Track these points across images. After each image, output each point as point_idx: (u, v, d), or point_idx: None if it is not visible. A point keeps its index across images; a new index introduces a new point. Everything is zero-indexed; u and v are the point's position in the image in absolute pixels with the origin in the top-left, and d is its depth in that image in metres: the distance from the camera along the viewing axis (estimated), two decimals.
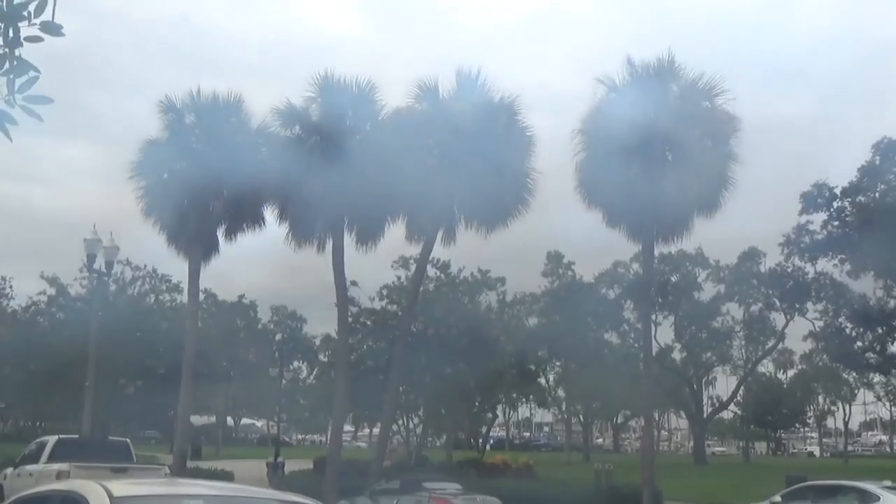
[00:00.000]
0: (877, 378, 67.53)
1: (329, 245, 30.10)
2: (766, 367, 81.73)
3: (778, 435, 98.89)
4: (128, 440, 24.63)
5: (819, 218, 43.39)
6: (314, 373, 73.17)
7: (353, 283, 39.05)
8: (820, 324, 50.60)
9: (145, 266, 57.87)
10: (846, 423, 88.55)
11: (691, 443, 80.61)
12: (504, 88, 29.84)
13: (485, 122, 28.40)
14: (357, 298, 41.76)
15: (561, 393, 71.08)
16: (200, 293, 38.29)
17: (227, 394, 67.60)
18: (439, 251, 34.40)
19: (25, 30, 4.40)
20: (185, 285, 37.17)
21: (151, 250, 38.40)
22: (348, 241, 30.42)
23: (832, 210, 42.64)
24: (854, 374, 68.22)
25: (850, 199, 41.49)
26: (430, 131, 28.62)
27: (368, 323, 43.03)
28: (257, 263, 43.12)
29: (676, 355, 66.14)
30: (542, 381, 63.69)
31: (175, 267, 41.53)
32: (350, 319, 36.16)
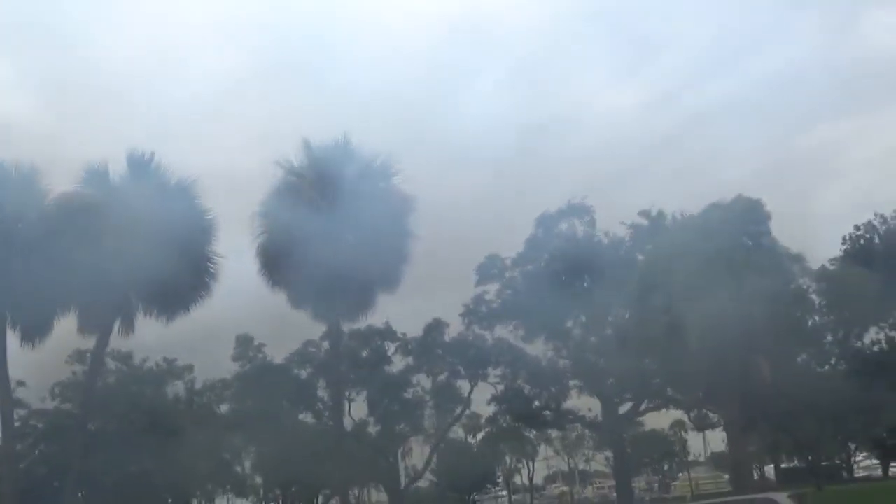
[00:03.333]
0: (555, 433, 72.33)
1: None
2: (457, 433, 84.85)
3: (472, 497, 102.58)
4: None
5: (494, 287, 46.19)
6: None
7: (21, 384, 35.78)
8: (501, 387, 53.54)
9: None
10: (531, 479, 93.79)
11: None
12: (183, 171, 29.21)
13: (161, 207, 27.58)
14: (25, 400, 38.25)
15: (258, 479, 69.07)
16: None
17: None
18: (118, 342, 32.51)
19: None
20: None
21: None
22: (12, 337, 27.98)
23: (504, 279, 45.59)
24: (534, 432, 72.60)
25: (519, 269, 44.59)
26: (100, 218, 27.24)
27: (39, 426, 39.48)
28: None
29: (371, 429, 66.73)
30: (239, 469, 61.54)
31: None
32: (18, 424, 32.97)
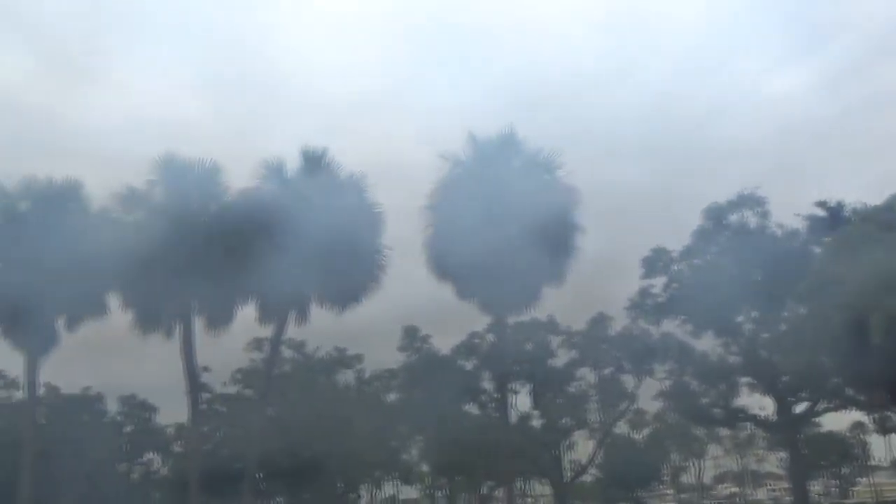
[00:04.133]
0: (724, 432, 70.16)
1: (178, 331, 29.23)
2: (622, 428, 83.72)
3: (637, 494, 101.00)
4: None
5: (660, 281, 45.28)
6: (168, 465, 69.99)
7: (206, 369, 37.89)
8: (668, 383, 52.44)
9: None
10: (699, 478, 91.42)
11: None
12: (351, 166, 30.11)
13: (333, 201, 28.49)
14: (210, 384, 40.53)
15: (425, 468, 70.47)
16: (40, 387, 36.25)
17: (73, 493, 63.67)
18: (293, 331, 33.88)
19: None
20: (22, 380, 35.12)
21: None
22: (198, 325, 29.67)
23: (671, 272, 44.60)
24: (703, 430, 70.69)
25: (686, 262, 43.49)
26: (277, 212, 28.41)
27: (223, 409, 41.75)
28: (103, 353, 41.35)
29: (535, 422, 66.79)
30: (406, 456, 63.06)
31: (11, 361, 39.17)
32: (203, 407, 34.99)
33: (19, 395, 51.56)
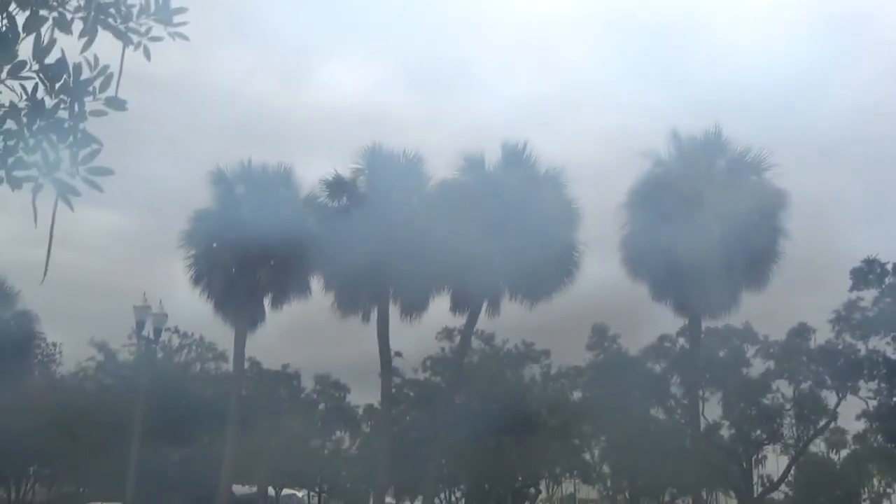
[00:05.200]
0: None
1: (374, 315, 30.26)
2: (818, 446, 79.46)
3: None
4: None
5: (870, 294, 42.62)
6: (356, 443, 72.63)
7: (398, 354, 38.97)
8: (874, 403, 49.31)
9: (192, 334, 58.27)
10: None
11: None
12: (548, 161, 30.08)
13: (530, 195, 28.57)
14: (401, 369, 41.68)
15: (606, 468, 69.60)
16: (245, 361, 38.51)
17: (269, 463, 67.25)
18: (483, 323, 34.28)
19: (90, 104, 4.58)
20: (230, 354, 37.41)
21: (199, 318, 38.72)
22: (393, 311, 30.59)
23: (884, 286, 41.86)
24: None
25: None
26: (475, 203, 28.81)
27: (412, 394, 42.82)
28: (302, 332, 43.46)
29: (724, 432, 64.48)
30: (587, 456, 62.50)
31: (222, 335, 41.80)
32: (393, 390, 36.03)
33: (226, 367, 55.01)
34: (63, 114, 4.57)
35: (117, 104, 4.60)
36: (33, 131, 4.57)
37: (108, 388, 45.96)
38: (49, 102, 4.55)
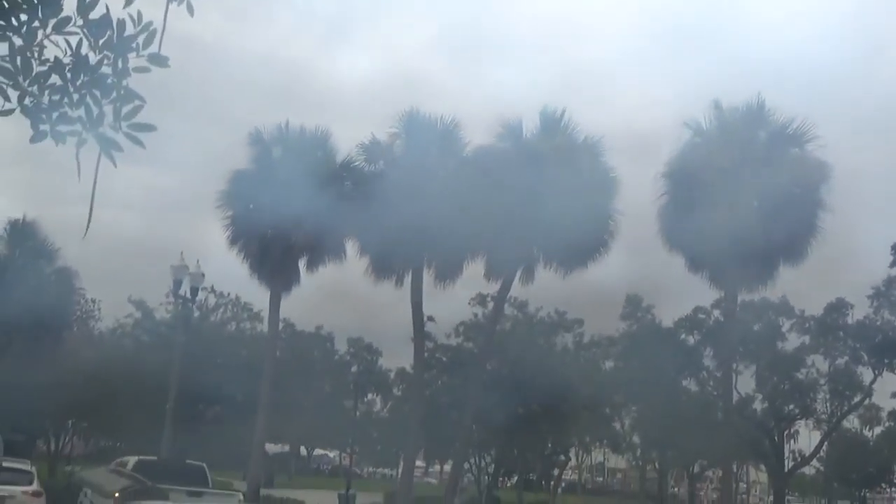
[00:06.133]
0: None
1: (407, 280, 30.36)
2: (852, 422, 78.88)
3: (863, 494, 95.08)
4: (204, 465, 24.91)
5: None
6: (388, 406, 73.30)
7: (430, 319, 39.08)
8: None
9: (228, 294, 58.92)
10: None
11: (770, 497, 78.03)
12: (587, 129, 29.81)
13: (568, 163, 28.34)
14: (433, 334, 41.83)
15: (636, 439, 69.66)
16: (280, 323, 38.88)
17: (302, 423, 68.10)
18: (517, 290, 34.27)
19: (133, 61, 4.60)
20: (265, 314, 37.79)
21: (235, 279, 39.14)
22: (427, 276, 30.66)
23: None
24: None
25: None
26: (511, 170, 28.65)
27: (444, 359, 43.01)
28: (336, 295, 43.76)
29: (757, 406, 64.16)
30: (618, 425, 62.58)
31: (257, 296, 42.22)
32: (426, 355, 36.21)
33: (261, 327, 55.63)
34: (106, 70, 4.60)
35: (160, 60, 4.61)
36: (77, 87, 4.60)
37: (145, 346, 46.65)
38: (93, 58, 4.58)
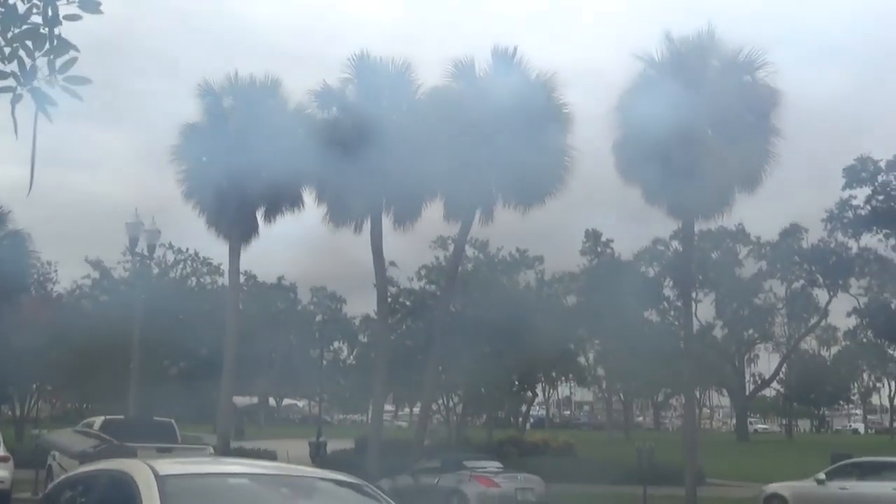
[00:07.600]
0: None
1: (367, 226, 30.22)
2: (809, 344, 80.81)
3: (821, 412, 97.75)
4: (172, 421, 24.91)
5: (863, 192, 42.71)
6: (354, 353, 73.56)
7: (392, 264, 39.12)
8: (864, 300, 49.93)
9: (187, 249, 58.41)
10: (892, 400, 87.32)
11: (733, 420, 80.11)
12: (539, 66, 29.64)
13: (522, 101, 28.15)
14: (396, 279, 41.90)
15: (601, 371, 70.81)
16: (241, 275, 38.65)
17: (269, 375, 68.25)
18: (477, 230, 34.32)
19: (64, 8, 4.42)
20: (225, 267, 37.52)
21: (192, 233, 38.80)
22: (386, 221, 30.56)
23: (876, 184, 41.91)
24: None
25: (894, 173, 40.76)
26: (466, 110, 28.45)
27: (407, 303, 43.16)
28: (296, 245, 43.61)
29: (717, 332, 65.46)
30: (582, 359, 63.51)
31: (216, 250, 41.91)
32: (389, 300, 36.27)
33: (221, 281, 55.34)
34: (37, 19, 4.42)
35: (91, 6, 4.43)
36: (8, 39, 4.43)
37: (105, 305, 46.25)
38: (21, 7, 4.40)
